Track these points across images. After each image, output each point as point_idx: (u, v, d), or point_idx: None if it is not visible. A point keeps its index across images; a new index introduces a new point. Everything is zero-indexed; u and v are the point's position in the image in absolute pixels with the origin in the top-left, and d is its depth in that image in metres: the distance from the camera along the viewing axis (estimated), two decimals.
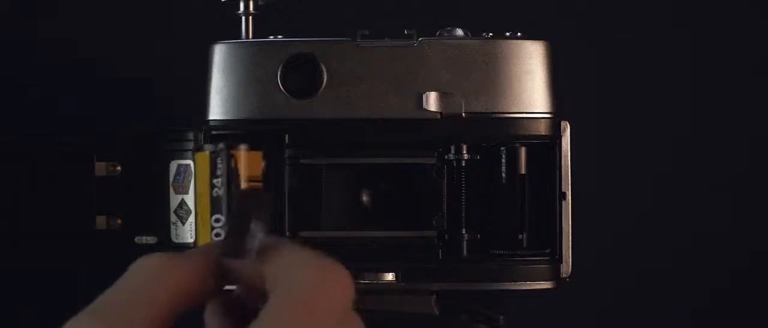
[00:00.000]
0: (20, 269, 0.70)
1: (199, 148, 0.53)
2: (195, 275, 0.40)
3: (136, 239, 0.56)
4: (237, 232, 0.38)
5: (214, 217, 0.51)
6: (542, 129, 0.54)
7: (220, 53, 0.54)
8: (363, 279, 0.53)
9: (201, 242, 0.52)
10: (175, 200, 0.55)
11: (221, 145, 0.52)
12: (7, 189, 0.57)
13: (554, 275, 0.53)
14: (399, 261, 0.54)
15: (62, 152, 0.57)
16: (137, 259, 0.40)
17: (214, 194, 0.51)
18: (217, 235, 0.51)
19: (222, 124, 0.54)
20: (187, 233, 0.55)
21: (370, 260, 0.53)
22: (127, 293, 0.40)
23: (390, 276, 0.54)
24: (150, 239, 0.56)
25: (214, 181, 0.51)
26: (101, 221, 0.56)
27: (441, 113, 0.53)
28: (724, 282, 0.76)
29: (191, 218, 0.55)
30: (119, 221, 0.56)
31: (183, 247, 0.55)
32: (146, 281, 0.40)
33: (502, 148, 0.55)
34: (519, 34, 0.54)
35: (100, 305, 0.39)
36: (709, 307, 0.76)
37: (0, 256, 0.60)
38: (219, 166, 0.51)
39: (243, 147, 0.52)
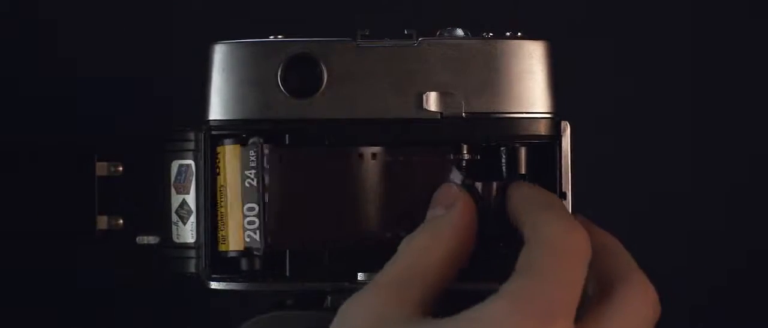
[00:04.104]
0: (20, 269, 0.70)
1: (219, 143, 0.54)
2: (459, 242, 0.48)
3: (137, 239, 0.56)
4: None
5: (247, 206, 0.53)
6: (542, 129, 0.54)
7: (220, 53, 0.54)
8: (362, 279, 0.54)
9: (231, 232, 0.53)
10: (176, 199, 0.56)
11: (254, 139, 0.52)
12: (7, 189, 0.57)
13: None
14: None
15: (62, 152, 0.57)
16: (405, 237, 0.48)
17: (247, 185, 0.53)
18: (250, 223, 0.52)
19: (222, 124, 0.54)
20: (188, 233, 0.55)
21: (369, 259, 0.54)
22: (402, 268, 0.47)
23: None
24: (151, 239, 0.56)
25: (247, 172, 0.53)
26: (102, 221, 0.56)
27: (441, 113, 0.54)
28: (723, 282, 0.76)
29: (192, 218, 0.55)
30: (120, 221, 0.56)
31: (184, 247, 0.55)
32: (418, 255, 0.47)
33: (502, 148, 0.55)
34: (519, 34, 0.54)
35: (378, 283, 0.47)
36: (707, 306, 0.76)
37: (0, 256, 0.60)
38: (252, 158, 0.52)
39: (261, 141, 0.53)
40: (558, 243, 0.44)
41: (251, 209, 0.53)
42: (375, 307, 0.46)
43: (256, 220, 0.53)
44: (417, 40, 0.54)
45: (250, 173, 0.53)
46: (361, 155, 0.53)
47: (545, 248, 0.45)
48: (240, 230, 0.53)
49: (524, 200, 0.49)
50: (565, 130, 0.54)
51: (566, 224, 0.45)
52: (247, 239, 0.53)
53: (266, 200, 0.53)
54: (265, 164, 0.53)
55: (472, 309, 0.44)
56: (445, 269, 0.48)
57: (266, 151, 0.53)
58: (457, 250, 0.48)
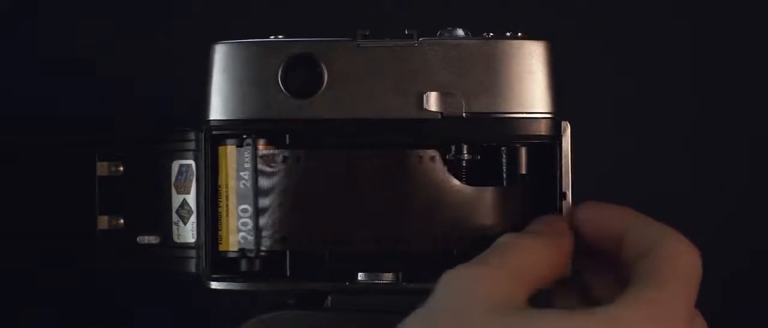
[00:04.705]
0: (20, 269, 0.70)
1: (219, 143, 0.54)
2: (561, 261, 0.50)
3: (137, 239, 0.56)
4: None
5: (241, 207, 0.53)
6: (542, 129, 0.54)
7: (220, 53, 0.54)
8: (362, 279, 0.54)
9: (226, 231, 0.54)
10: (176, 199, 0.56)
11: (249, 140, 0.52)
12: (7, 189, 0.57)
13: None
14: (399, 261, 0.54)
15: (63, 152, 0.57)
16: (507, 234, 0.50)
17: (242, 186, 0.53)
18: (244, 224, 0.53)
19: (222, 124, 0.54)
20: (188, 232, 0.55)
21: (370, 259, 0.54)
22: (514, 258, 0.49)
23: (390, 276, 0.54)
24: (152, 239, 0.56)
25: (242, 173, 0.53)
26: (102, 221, 0.56)
27: (441, 113, 0.54)
28: (723, 282, 0.76)
29: (193, 218, 0.55)
30: (120, 221, 0.56)
31: (185, 247, 0.55)
32: (529, 253, 0.49)
33: (502, 148, 0.55)
34: (519, 34, 0.54)
35: (489, 264, 0.48)
36: (707, 306, 0.76)
37: (0, 256, 0.60)
38: (246, 159, 0.53)
39: (262, 141, 0.53)
40: (683, 260, 0.48)
41: (245, 211, 0.53)
42: (488, 286, 0.47)
43: (250, 221, 0.53)
44: (417, 40, 0.54)
45: (245, 174, 0.53)
46: (361, 156, 0.53)
47: (673, 263, 0.48)
48: (236, 231, 0.53)
49: (622, 216, 0.52)
50: (565, 130, 0.54)
51: (687, 243, 0.49)
52: (241, 241, 0.53)
53: (259, 201, 0.53)
54: (258, 166, 0.53)
55: (605, 308, 0.46)
56: (546, 277, 0.50)
57: (260, 152, 0.53)
58: (558, 265, 0.50)
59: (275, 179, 0.53)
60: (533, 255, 0.49)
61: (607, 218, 0.52)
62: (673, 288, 0.47)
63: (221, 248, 0.54)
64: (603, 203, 0.53)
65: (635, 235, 0.50)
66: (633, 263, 0.49)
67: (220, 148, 0.54)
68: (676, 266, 0.48)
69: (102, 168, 0.56)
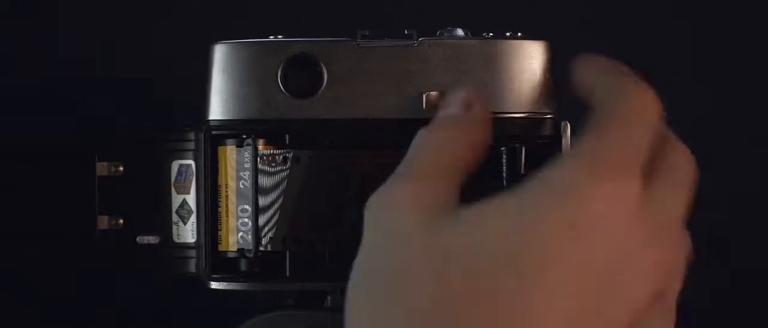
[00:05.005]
0: (20, 269, 0.70)
1: (219, 143, 0.54)
2: (479, 138, 0.48)
3: (137, 239, 0.56)
4: None
5: (240, 207, 0.53)
6: (542, 129, 0.54)
7: (220, 53, 0.54)
8: None
9: (225, 231, 0.54)
10: (176, 199, 0.56)
11: (249, 140, 0.52)
12: (7, 189, 0.57)
13: None
14: None
15: (62, 152, 0.57)
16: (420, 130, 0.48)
17: (242, 186, 0.53)
18: (244, 224, 0.53)
19: (222, 124, 0.54)
20: (188, 232, 0.55)
21: None
22: (430, 158, 0.47)
23: None
24: (151, 239, 0.56)
25: (241, 173, 0.53)
26: (102, 221, 0.56)
27: None
28: (724, 283, 0.76)
29: (193, 218, 0.55)
30: (120, 221, 0.56)
31: (185, 247, 0.55)
32: (443, 146, 0.47)
33: (502, 148, 0.55)
34: (519, 34, 0.54)
35: (404, 175, 0.46)
36: (709, 307, 0.76)
37: (0, 256, 0.60)
38: (246, 159, 0.53)
39: (261, 141, 0.53)
40: (627, 105, 0.45)
41: (245, 211, 0.53)
42: (410, 200, 0.45)
43: (249, 221, 0.53)
44: (417, 40, 0.54)
45: (244, 174, 0.53)
46: (361, 156, 0.53)
47: (615, 109, 0.45)
48: (235, 231, 0.54)
49: (595, 68, 0.49)
50: (565, 130, 0.54)
51: (636, 88, 0.46)
52: (241, 241, 0.54)
53: (258, 201, 0.53)
54: (258, 166, 0.53)
55: (541, 174, 0.44)
56: (468, 162, 0.47)
57: (260, 152, 0.53)
58: (477, 144, 0.48)
59: (275, 179, 0.53)
60: (452, 146, 0.47)
61: (581, 73, 0.49)
62: (614, 135, 0.44)
63: (221, 248, 0.54)
64: (595, 57, 0.50)
65: (598, 83, 0.48)
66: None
67: (220, 148, 0.54)
68: (622, 111, 0.45)
69: (102, 168, 0.56)
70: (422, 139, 0.48)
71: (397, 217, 0.45)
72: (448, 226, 0.44)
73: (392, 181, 0.47)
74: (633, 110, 0.45)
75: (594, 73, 0.49)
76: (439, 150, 0.47)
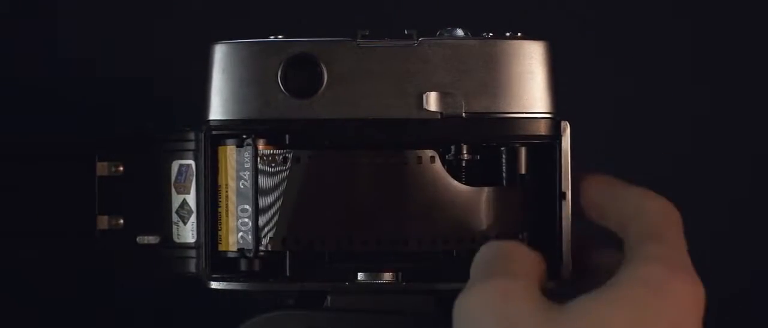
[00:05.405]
0: (20, 269, 0.70)
1: (219, 143, 0.54)
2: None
3: (137, 239, 0.56)
4: None
5: (240, 207, 0.53)
6: (542, 129, 0.54)
7: (220, 53, 0.54)
8: (362, 279, 0.54)
9: (225, 231, 0.54)
10: (176, 199, 0.56)
11: (249, 140, 0.52)
12: (7, 189, 0.57)
13: (554, 275, 0.53)
14: (399, 261, 0.54)
15: (62, 152, 0.57)
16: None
17: (242, 186, 0.53)
18: (244, 224, 0.53)
19: (222, 124, 0.54)
20: (188, 233, 0.55)
21: (370, 259, 0.54)
22: (512, 262, 0.49)
23: (390, 276, 0.54)
24: (151, 239, 0.56)
25: (241, 173, 0.53)
26: (102, 221, 0.56)
27: (441, 113, 0.54)
28: (725, 283, 0.76)
29: (193, 218, 0.55)
30: (120, 221, 0.56)
31: (185, 247, 0.55)
32: (521, 255, 0.49)
33: (502, 148, 0.55)
34: (519, 34, 0.54)
35: (492, 275, 0.48)
36: (708, 307, 0.76)
37: (0, 256, 0.60)
38: (246, 159, 0.53)
39: (262, 141, 0.53)
40: (668, 214, 0.51)
41: (245, 211, 0.53)
42: (515, 296, 0.47)
43: (249, 221, 0.53)
44: (417, 40, 0.54)
45: (245, 174, 0.53)
46: (360, 156, 0.53)
47: (663, 219, 0.51)
48: (235, 231, 0.54)
49: (608, 187, 0.53)
50: (565, 130, 0.54)
51: (663, 199, 0.52)
52: (241, 241, 0.54)
53: (258, 201, 0.53)
54: (258, 166, 0.53)
55: (625, 274, 0.48)
56: (543, 276, 0.50)
57: (260, 152, 0.53)
58: (543, 264, 0.51)
59: (275, 179, 0.53)
60: (528, 257, 0.50)
61: (592, 193, 0.53)
62: (673, 239, 0.50)
63: (221, 248, 0.54)
64: (583, 177, 0.54)
65: (618, 202, 0.52)
66: (623, 228, 0.51)
67: (220, 148, 0.54)
68: (668, 220, 0.51)
69: (102, 168, 0.56)
70: (503, 247, 0.50)
71: (512, 308, 0.47)
72: (563, 316, 0.46)
73: (478, 283, 0.48)
74: (672, 219, 0.51)
75: (601, 196, 0.53)
76: (523, 256, 0.50)
